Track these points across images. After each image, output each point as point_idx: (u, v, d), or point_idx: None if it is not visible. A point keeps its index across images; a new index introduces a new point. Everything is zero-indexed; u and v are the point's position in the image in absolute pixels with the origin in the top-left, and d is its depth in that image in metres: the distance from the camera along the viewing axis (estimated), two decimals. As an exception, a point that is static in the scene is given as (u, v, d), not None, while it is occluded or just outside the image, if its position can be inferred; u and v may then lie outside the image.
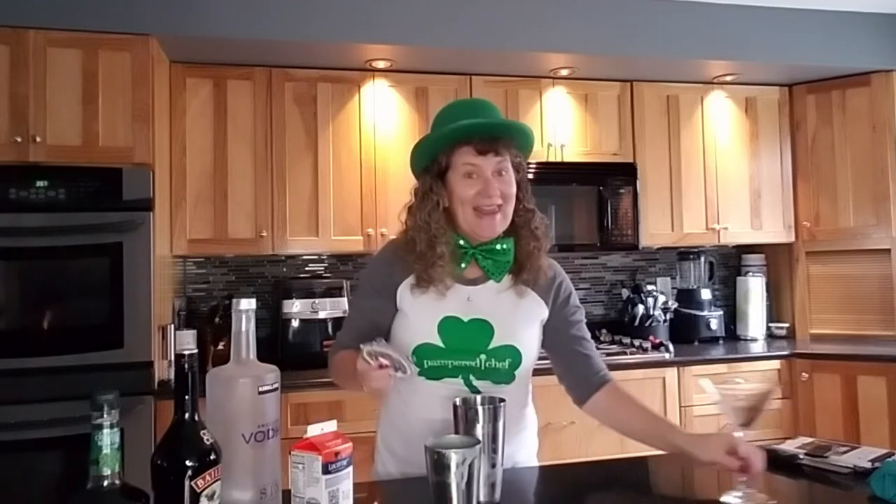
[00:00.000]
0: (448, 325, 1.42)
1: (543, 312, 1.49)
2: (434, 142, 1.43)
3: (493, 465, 1.22)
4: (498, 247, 1.44)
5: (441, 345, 1.41)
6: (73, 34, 2.59)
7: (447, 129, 1.40)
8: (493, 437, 1.21)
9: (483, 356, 1.41)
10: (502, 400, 1.25)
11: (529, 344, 1.46)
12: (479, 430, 1.21)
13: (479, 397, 1.29)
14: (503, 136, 1.41)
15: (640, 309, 3.48)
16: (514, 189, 1.43)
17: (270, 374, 1.12)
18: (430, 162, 1.44)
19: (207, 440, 0.98)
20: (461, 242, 1.44)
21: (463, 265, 1.44)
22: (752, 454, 1.22)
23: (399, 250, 1.47)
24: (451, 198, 1.42)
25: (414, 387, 1.42)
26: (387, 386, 1.24)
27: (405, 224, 1.48)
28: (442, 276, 1.41)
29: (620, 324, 3.59)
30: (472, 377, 1.41)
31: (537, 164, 3.25)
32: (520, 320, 1.46)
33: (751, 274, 3.76)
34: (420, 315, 1.43)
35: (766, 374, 3.21)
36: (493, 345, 1.41)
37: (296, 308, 3.01)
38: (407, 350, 1.41)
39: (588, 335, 1.54)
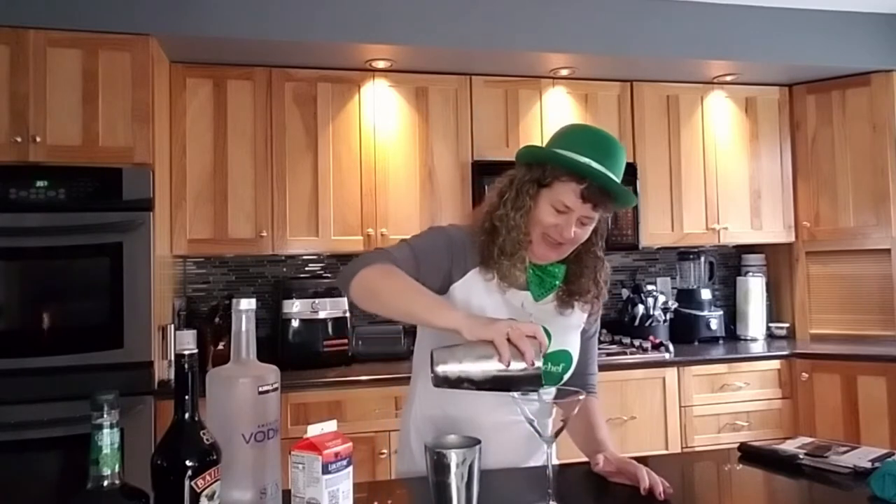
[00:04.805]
0: None
1: (582, 321, 1.51)
2: (555, 158, 1.36)
3: None
4: (550, 268, 1.43)
5: None
6: (73, 34, 2.59)
7: (577, 159, 1.33)
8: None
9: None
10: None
11: (577, 348, 1.48)
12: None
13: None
14: (612, 192, 1.35)
15: (640, 309, 3.48)
16: (586, 237, 1.42)
17: (270, 374, 1.12)
18: (537, 165, 1.39)
19: (207, 440, 0.97)
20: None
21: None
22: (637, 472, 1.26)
23: (476, 237, 1.41)
24: (535, 208, 1.39)
25: None
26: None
27: (488, 205, 1.43)
28: (514, 277, 1.39)
29: (620, 324, 3.58)
30: None
31: (537, 164, 3.25)
32: (569, 326, 1.47)
33: (751, 274, 3.76)
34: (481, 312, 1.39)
35: (764, 374, 3.22)
36: (550, 349, 1.38)
37: (296, 308, 3.01)
38: None
39: (595, 348, 1.59)
